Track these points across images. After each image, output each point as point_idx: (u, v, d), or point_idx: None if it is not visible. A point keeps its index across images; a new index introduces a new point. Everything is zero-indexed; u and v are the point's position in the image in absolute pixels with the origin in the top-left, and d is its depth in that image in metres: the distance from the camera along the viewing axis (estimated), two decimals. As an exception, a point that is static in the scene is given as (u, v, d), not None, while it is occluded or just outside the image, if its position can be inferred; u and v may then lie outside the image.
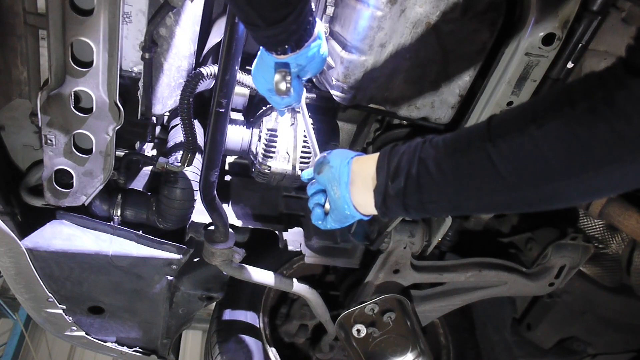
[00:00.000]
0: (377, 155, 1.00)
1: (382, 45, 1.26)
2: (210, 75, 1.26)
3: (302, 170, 1.59)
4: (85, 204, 1.48)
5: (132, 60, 1.31)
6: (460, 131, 0.90)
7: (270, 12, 0.92)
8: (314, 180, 1.17)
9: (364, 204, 1.02)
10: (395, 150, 0.97)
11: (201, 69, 1.25)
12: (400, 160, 0.93)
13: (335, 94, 1.36)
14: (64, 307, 1.72)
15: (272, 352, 2.19)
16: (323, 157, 1.12)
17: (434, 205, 0.91)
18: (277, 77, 1.06)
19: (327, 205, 1.12)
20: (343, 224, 1.12)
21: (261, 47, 1.09)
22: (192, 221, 1.71)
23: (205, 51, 1.60)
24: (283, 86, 1.06)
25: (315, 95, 1.56)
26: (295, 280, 1.87)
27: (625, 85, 0.67)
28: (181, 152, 1.50)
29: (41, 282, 1.58)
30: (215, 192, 1.36)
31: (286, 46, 1.00)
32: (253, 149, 1.63)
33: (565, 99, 0.74)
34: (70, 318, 1.78)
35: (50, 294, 1.63)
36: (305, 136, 1.57)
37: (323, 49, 1.09)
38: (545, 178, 0.77)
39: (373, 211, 1.02)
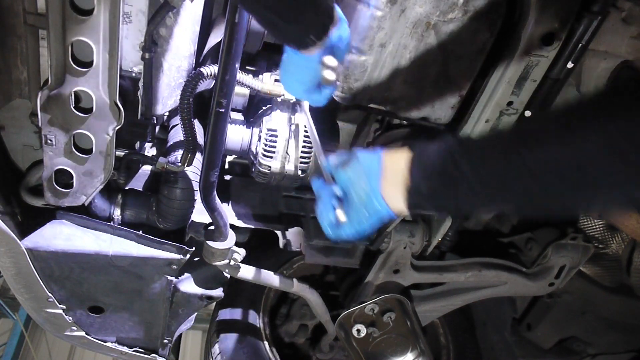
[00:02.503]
0: (405, 151, 0.98)
1: (382, 45, 1.26)
2: (210, 75, 1.26)
3: (302, 170, 1.59)
4: (85, 204, 1.48)
5: (132, 60, 1.31)
6: (493, 133, 0.90)
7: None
8: (325, 183, 1.12)
9: (393, 199, 1.00)
10: (427, 149, 0.95)
11: (201, 69, 1.25)
12: (435, 161, 0.92)
13: (335, 94, 1.36)
14: (64, 307, 1.72)
15: (272, 352, 2.19)
16: (348, 153, 1.08)
17: (468, 207, 0.91)
18: (323, 66, 1.01)
19: (341, 216, 1.06)
20: (361, 229, 1.05)
21: (287, 51, 1.05)
22: (192, 221, 1.71)
23: (205, 51, 1.60)
24: (331, 75, 1.02)
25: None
26: (295, 280, 1.87)
27: None
28: (181, 151, 1.50)
29: (41, 282, 1.57)
30: (215, 192, 1.36)
31: (319, 32, 0.96)
32: (253, 149, 1.63)
33: (603, 108, 0.74)
34: (70, 318, 1.78)
35: (50, 294, 1.63)
36: (305, 136, 1.57)
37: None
38: (580, 187, 0.77)
39: (401, 207, 0.99)
